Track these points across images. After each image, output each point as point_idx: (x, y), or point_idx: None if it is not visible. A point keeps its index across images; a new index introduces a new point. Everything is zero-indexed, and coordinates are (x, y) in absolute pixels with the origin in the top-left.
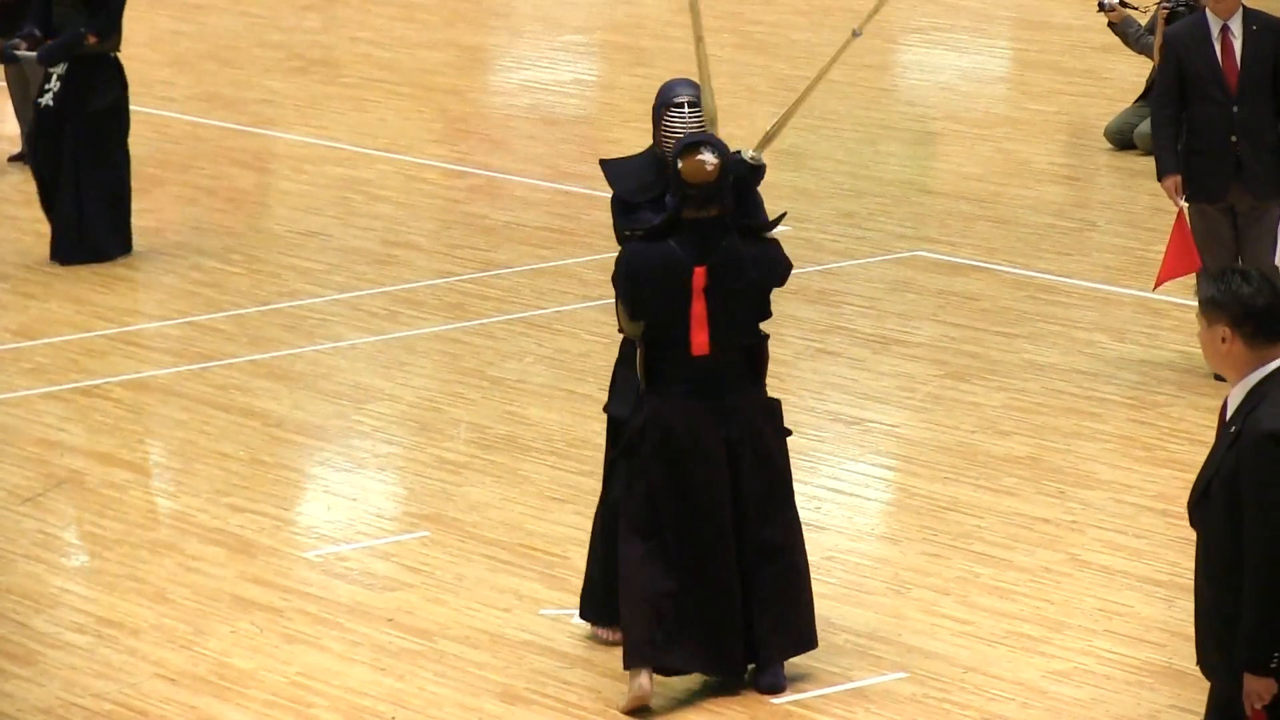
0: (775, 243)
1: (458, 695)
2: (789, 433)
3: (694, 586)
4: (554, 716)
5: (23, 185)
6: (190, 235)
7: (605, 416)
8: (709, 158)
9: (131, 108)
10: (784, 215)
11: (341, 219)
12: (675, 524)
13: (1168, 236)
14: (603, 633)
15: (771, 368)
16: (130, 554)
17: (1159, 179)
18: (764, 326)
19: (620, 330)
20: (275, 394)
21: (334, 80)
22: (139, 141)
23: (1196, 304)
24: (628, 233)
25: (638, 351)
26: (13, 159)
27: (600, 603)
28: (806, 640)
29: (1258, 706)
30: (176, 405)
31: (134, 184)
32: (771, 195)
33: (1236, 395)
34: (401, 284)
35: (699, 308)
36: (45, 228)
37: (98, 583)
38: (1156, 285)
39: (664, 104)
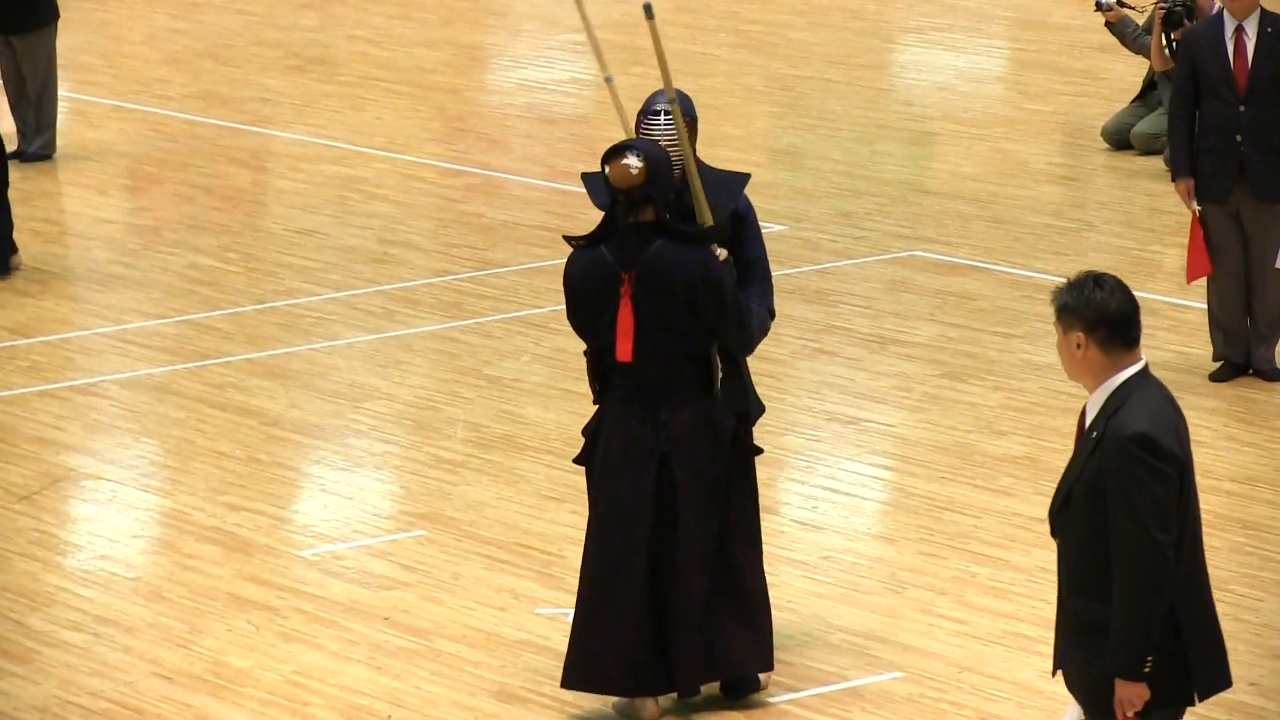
0: (709, 253)
1: (454, 694)
2: (759, 450)
3: (605, 602)
4: (550, 715)
5: (19, 183)
6: (187, 233)
7: None
8: (633, 161)
9: (129, 105)
10: (714, 228)
11: (338, 218)
12: (595, 535)
13: (1165, 237)
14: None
15: (769, 367)
16: (126, 552)
17: (1174, 180)
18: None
19: None
20: (272, 393)
21: (331, 79)
22: (136, 139)
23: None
24: (570, 242)
25: (586, 361)
26: (9, 156)
27: None
28: (751, 660)
29: (1130, 714)
30: (173, 404)
31: (130, 182)
32: (769, 194)
33: (1095, 402)
34: (398, 283)
35: (624, 314)
36: (44, 226)
37: (94, 581)
38: (1189, 280)
39: (643, 113)
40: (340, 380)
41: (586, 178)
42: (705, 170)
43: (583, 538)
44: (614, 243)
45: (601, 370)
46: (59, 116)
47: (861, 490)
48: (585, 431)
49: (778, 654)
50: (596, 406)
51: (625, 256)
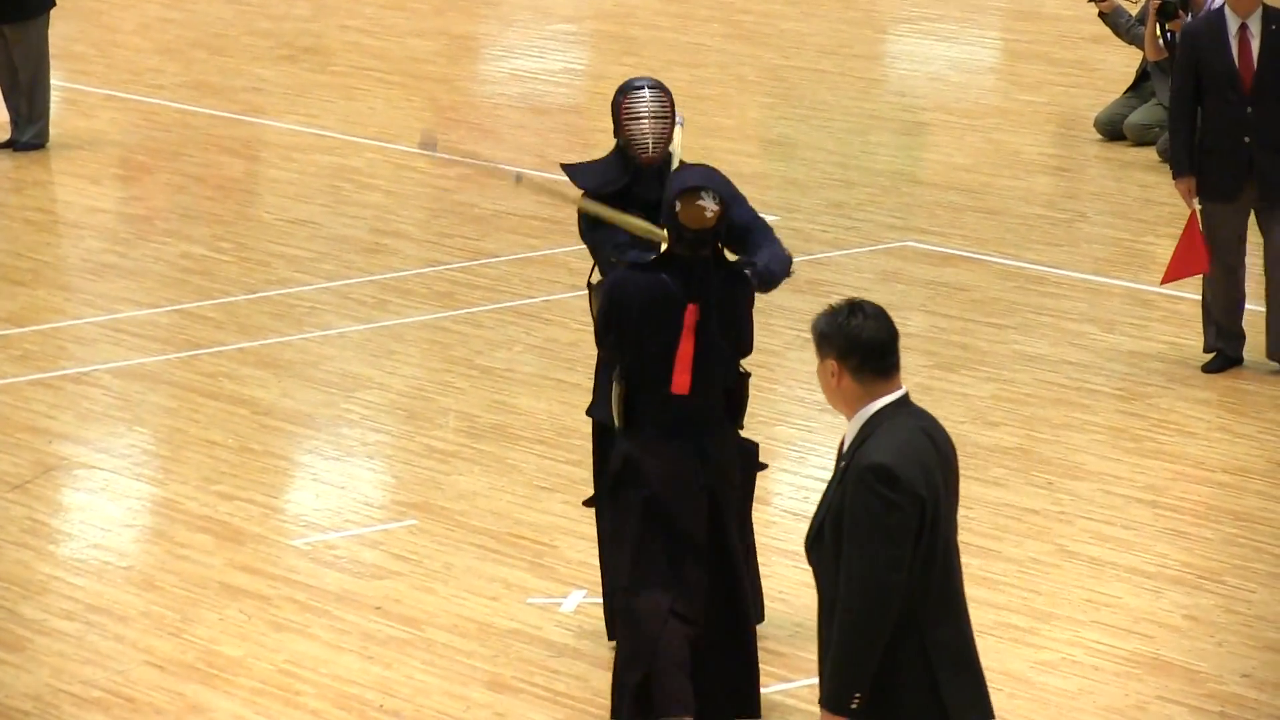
0: (748, 279)
1: (445, 684)
2: (763, 466)
3: (701, 632)
4: (541, 705)
5: (11, 172)
6: (179, 223)
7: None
8: (710, 204)
9: (122, 95)
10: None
11: (331, 207)
12: (671, 568)
13: (1158, 228)
14: None
15: (761, 357)
16: (119, 541)
17: (1174, 179)
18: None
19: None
20: (264, 382)
21: (323, 68)
22: (129, 129)
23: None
24: (613, 260)
25: (615, 388)
26: (1, 146)
27: None
28: (756, 706)
29: None
30: (165, 393)
31: (123, 171)
32: (761, 185)
33: (850, 431)
34: (390, 272)
35: (687, 346)
36: (37, 215)
37: (86, 570)
38: (1164, 281)
39: (622, 91)
40: (332, 370)
41: (568, 169)
42: (683, 162)
43: (574, 527)
44: (675, 271)
45: (630, 401)
46: (51, 106)
47: None
48: (611, 469)
49: (770, 644)
50: (600, 438)
51: (690, 287)
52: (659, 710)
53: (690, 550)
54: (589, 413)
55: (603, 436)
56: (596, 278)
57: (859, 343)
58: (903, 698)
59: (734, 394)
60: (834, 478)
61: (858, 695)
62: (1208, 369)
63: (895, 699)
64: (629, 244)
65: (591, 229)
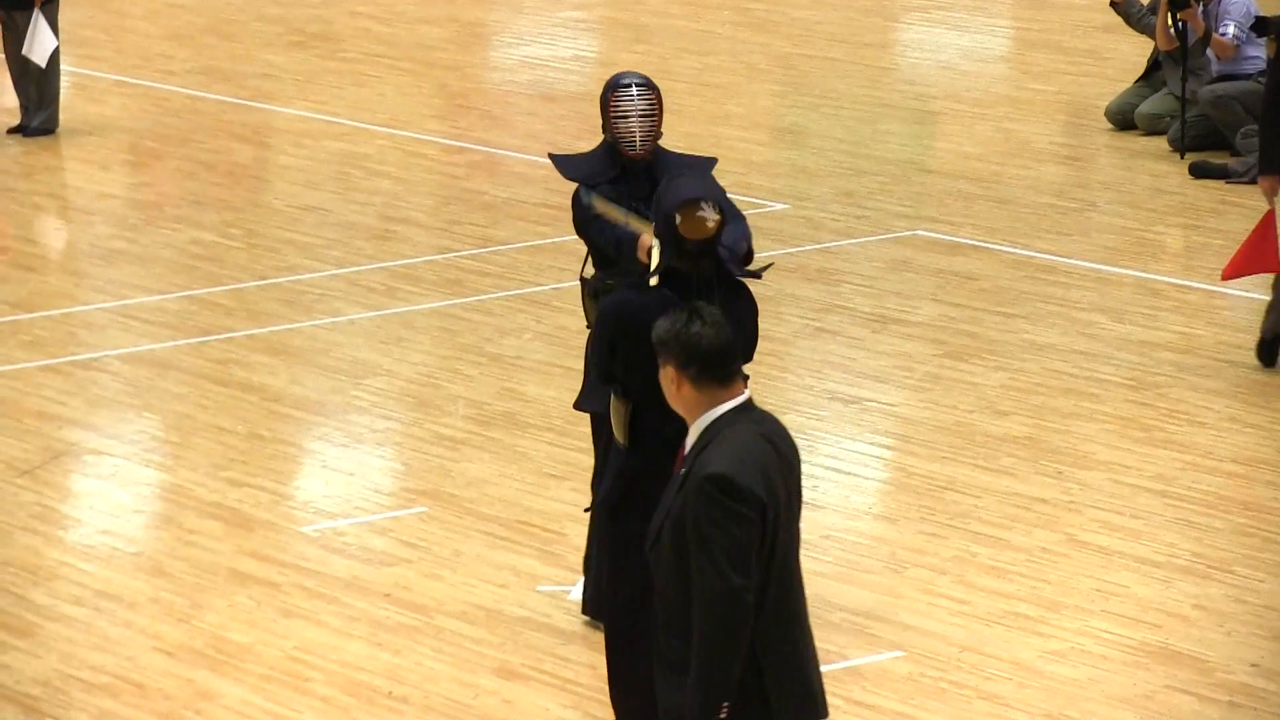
0: (746, 287)
1: (454, 671)
2: None
3: None
4: (550, 692)
5: (21, 158)
6: (189, 209)
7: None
8: (710, 214)
9: (132, 81)
10: (770, 265)
11: (340, 194)
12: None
13: (1168, 217)
14: None
15: (770, 345)
16: (128, 527)
17: (1260, 175)
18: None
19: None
20: (273, 369)
21: (333, 55)
22: (139, 115)
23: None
24: (609, 282)
25: (616, 405)
26: (11, 131)
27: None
28: None
29: None
30: (174, 379)
31: (133, 157)
32: (771, 173)
33: (690, 438)
34: (400, 260)
35: None
36: (47, 201)
37: (95, 556)
38: (1225, 278)
39: (611, 88)
40: (342, 357)
41: (555, 159)
42: (671, 155)
43: (583, 515)
44: (677, 286)
45: (635, 416)
46: (62, 91)
47: (862, 469)
48: (612, 479)
49: None
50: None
51: (695, 300)
52: None
53: None
54: (577, 406)
55: (602, 426)
56: (589, 271)
57: (697, 351)
58: (743, 699)
59: None
60: (673, 484)
61: (725, 704)
62: (1263, 358)
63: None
64: (633, 239)
65: (588, 212)
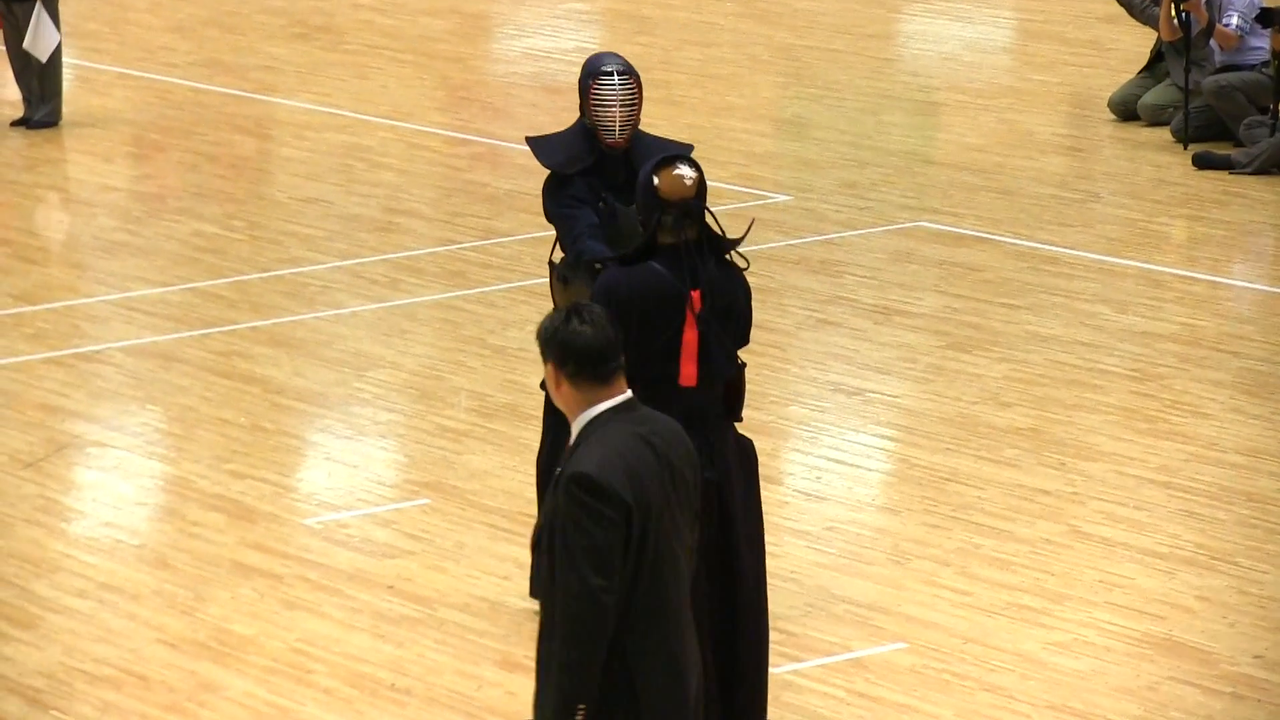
0: (735, 265)
1: (457, 663)
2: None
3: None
4: None
5: (24, 150)
6: (192, 201)
7: None
8: (687, 171)
9: (134, 73)
10: (752, 222)
11: (343, 186)
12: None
13: (1171, 208)
14: None
15: (774, 337)
16: (131, 519)
17: None
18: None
19: None
20: (276, 361)
21: (336, 47)
22: (141, 107)
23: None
24: (597, 265)
25: None
26: (14, 124)
27: None
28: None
29: None
30: (177, 371)
31: (135, 149)
32: (774, 165)
33: (572, 437)
34: (403, 251)
35: (691, 336)
36: (49, 194)
37: (98, 548)
38: None
39: (591, 74)
40: (344, 349)
41: (532, 142)
42: (649, 139)
43: None
44: (665, 259)
45: None
46: (64, 84)
47: (865, 461)
48: None
49: (782, 624)
50: None
51: (685, 274)
52: None
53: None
54: (543, 386)
55: (553, 408)
56: (558, 255)
57: (573, 350)
58: (603, 703)
59: (731, 386)
60: (552, 485)
61: (582, 707)
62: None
63: (596, 705)
64: (598, 226)
65: (559, 204)
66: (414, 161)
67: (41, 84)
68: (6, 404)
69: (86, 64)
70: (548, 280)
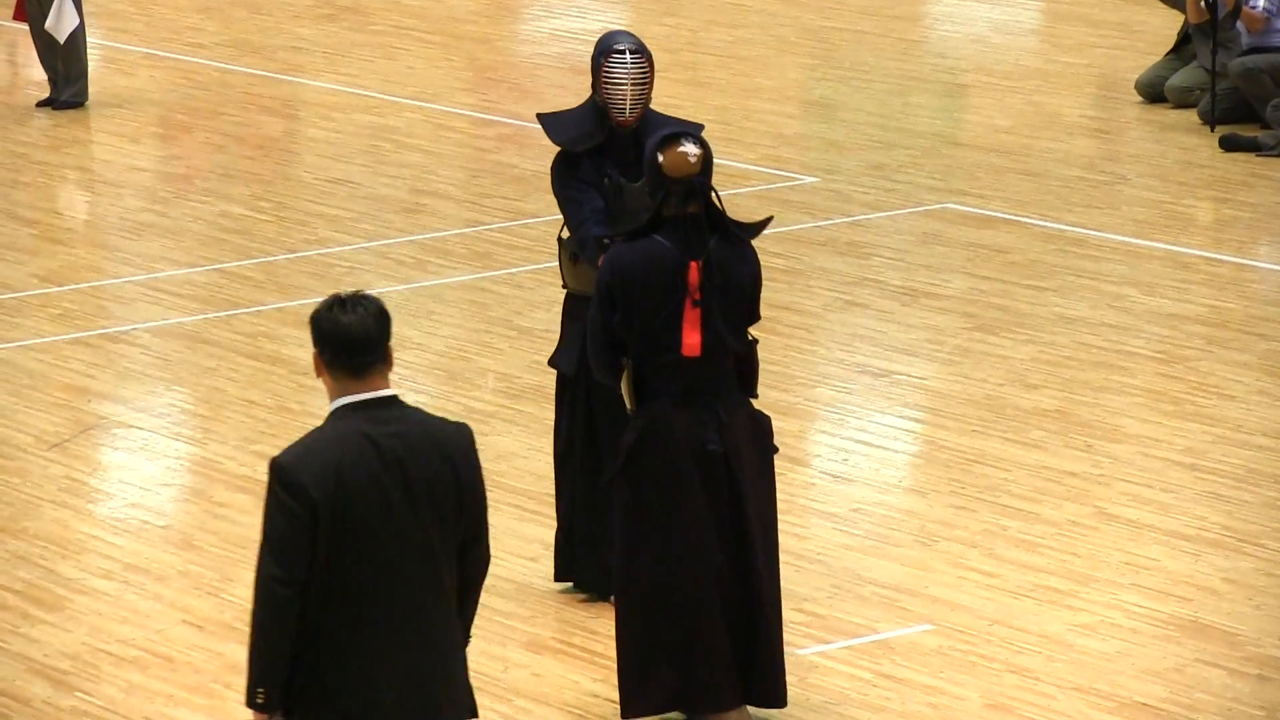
0: (750, 246)
1: (484, 644)
2: (776, 450)
3: (689, 619)
4: (580, 666)
5: (51, 131)
6: (218, 182)
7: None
8: (691, 149)
9: (161, 53)
10: (770, 219)
11: (370, 167)
12: (666, 549)
13: (1198, 190)
14: None
15: (800, 319)
16: (157, 500)
17: None
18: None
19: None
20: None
21: (363, 28)
22: (168, 88)
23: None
24: (605, 240)
25: (625, 372)
26: (40, 104)
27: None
28: (775, 694)
29: None
30: (204, 352)
31: (162, 130)
32: (801, 146)
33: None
34: (430, 233)
35: (692, 307)
36: (76, 174)
37: (125, 529)
38: None
39: (603, 52)
40: None
41: (544, 120)
42: (659, 117)
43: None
44: (668, 232)
45: (637, 372)
46: (91, 64)
47: (892, 443)
48: (624, 445)
49: (809, 605)
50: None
51: (688, 246)
52: (705, 706)
53: (708, 526)
54: (551, 363)
55: (565, 388)
56: (567, 233)
57: (330, 338)
58: (299, 693)
59: (744, 361)
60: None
61: (262, 690)
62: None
63: (291, 693)
64: (603, 211)
65: (565, 186)
66: (441, 142)
67: (66, 65)
68: (33, 385)
69: (113, 44)
70: (557, 258)
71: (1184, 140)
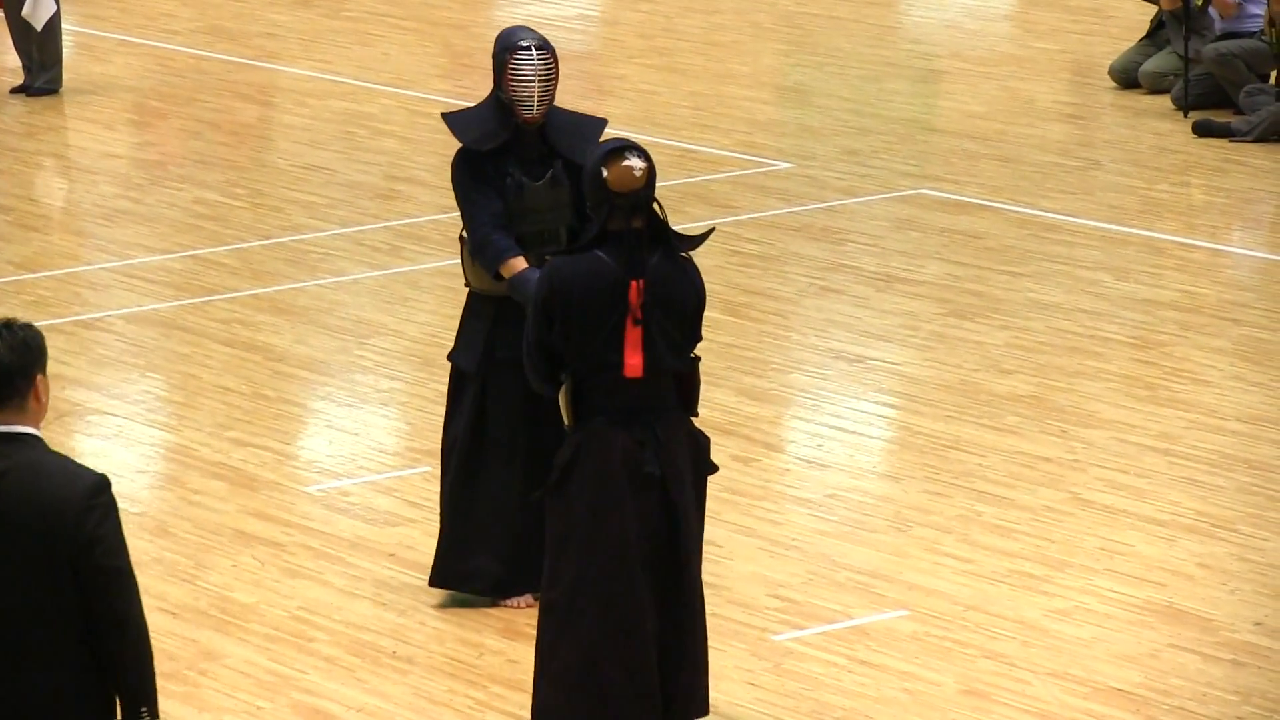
0: (694, 264)
1: (459, 630)
2: (714, 469)
3: (621, 637)
4: None
5: (25, 117)
6: (193, 169)
7: None
8: (637, 163)
9: (136, 40)
10: (712, 229)
11: (345, 153)
12: (601, 568)
13: (1172, 176)
14: (514, 601)
15: (775, 305)
16: (132, 487)
17: None
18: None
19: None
20: (278, 328)
21: (337, 14)
22: (143, 74)
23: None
24: (547, 256)
25: (564, 386)
26: (14, 91)
27: (452, 567)
28: (702, 707)
29: None
30: (179, 339)
31: (137, 116)
32: (776, 132)
33: None
34: (404, 219)
35: (633, 326)
36: (50, 161)
37: None
38: None
39: (507, 48)
40: (346, 316)
41: (449, 120)
42: (562, 113)
43: None
44: (610, 248)
45: (577, 391)
46: (65, 51)
47: (867, 428)
48: (559, 462)
49: (784, 591)
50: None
51: (629, 263)
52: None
53: (634, 547)
54: (450, 357)
55: (461, 384)
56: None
57: None
58: None
59: (685, 380)
60: None
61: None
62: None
63: None
64: (501, 216)
65: (464, 187)
66: (416, 129)
67: (41, 51)
68: None
69: (88, 31)
70: (459, 255)
71: (1158, 126)
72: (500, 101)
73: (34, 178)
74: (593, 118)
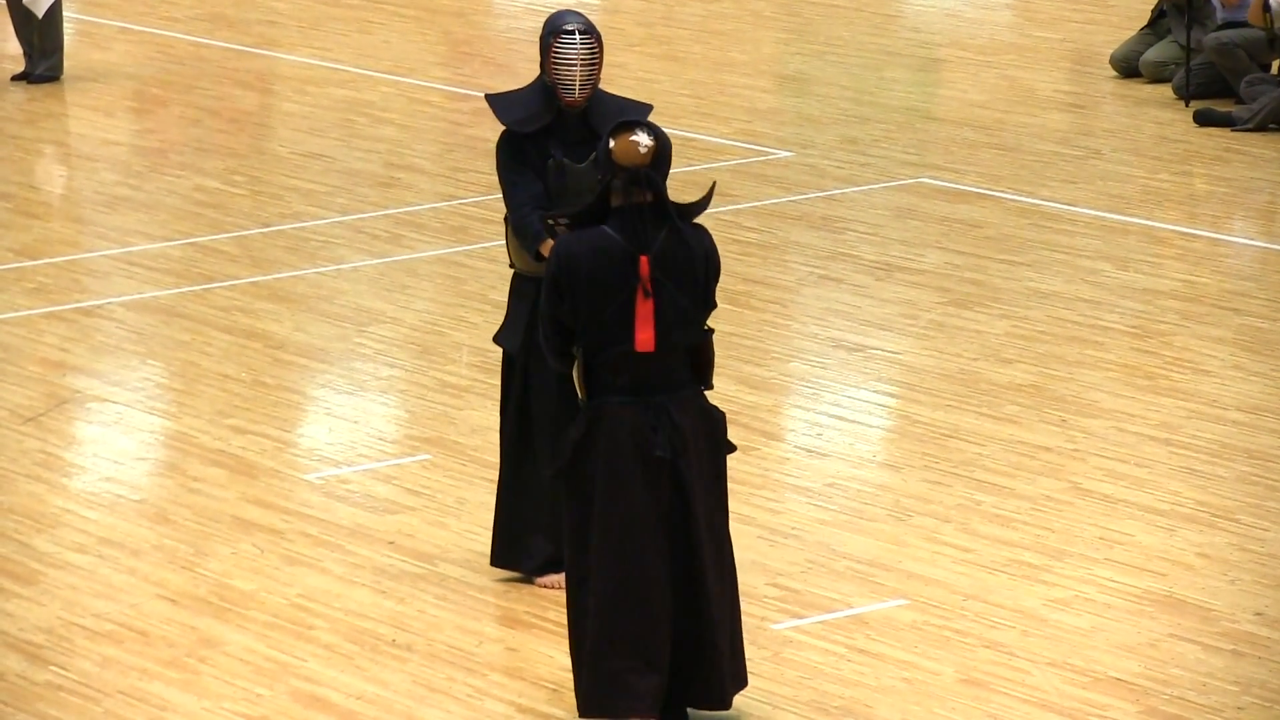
0: (706, 231)
1: (458, 618)
2: (733, 448)
3: (635, 620)
4: (554, 640)
5: (25, 105)
6: (193, 156)
7: None
8: (643, 139)
9: (136, 27)
10: (714, 185)
11: (344, 141)
12: (613, 551)
13: (1172, 165)
14: (549, 580)
15: (775, 293)
16: (132, 475)
17: None
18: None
19: (544, 345)
20: (277, 316)
21: (338, 1)
22: (143, 61)
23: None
24: (550, 222)
25: (576, 363)
26: (15, 78)
27: (509, 547)
28: (719, 695)
29: None
30: (178, 326)
31: (137, 104)
32: (776, 121)
33: None
34: (404, 207)
35: (644, 300)
36: (51, 148)
37: (99, 503)
38: None
39: (552, 32)
40: (346, 304)
41: (492, 101)
42: (609, 99)
43: None
44: (617, 223)
45: (588, 366)
46: (66, 38)
47: (867, 417)
48: (571, 438)
49: (783, 580)
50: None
51: (636, 238)
52: (621, 711)
53: (645, 530)
54: (496, 340)
55: (510, 367)
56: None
57: None
58: None
59: (699, 353)
60: None
61: None
62: None
63: None
64: (541, 197)
65: (507, 169)
66: (416, 117)
67: (42, 39)
68: (7, 359)
69: (88, 18)
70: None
71: (1159, 115)
72: (545, 84)
73: (34, 165)
74: (638, 103)
